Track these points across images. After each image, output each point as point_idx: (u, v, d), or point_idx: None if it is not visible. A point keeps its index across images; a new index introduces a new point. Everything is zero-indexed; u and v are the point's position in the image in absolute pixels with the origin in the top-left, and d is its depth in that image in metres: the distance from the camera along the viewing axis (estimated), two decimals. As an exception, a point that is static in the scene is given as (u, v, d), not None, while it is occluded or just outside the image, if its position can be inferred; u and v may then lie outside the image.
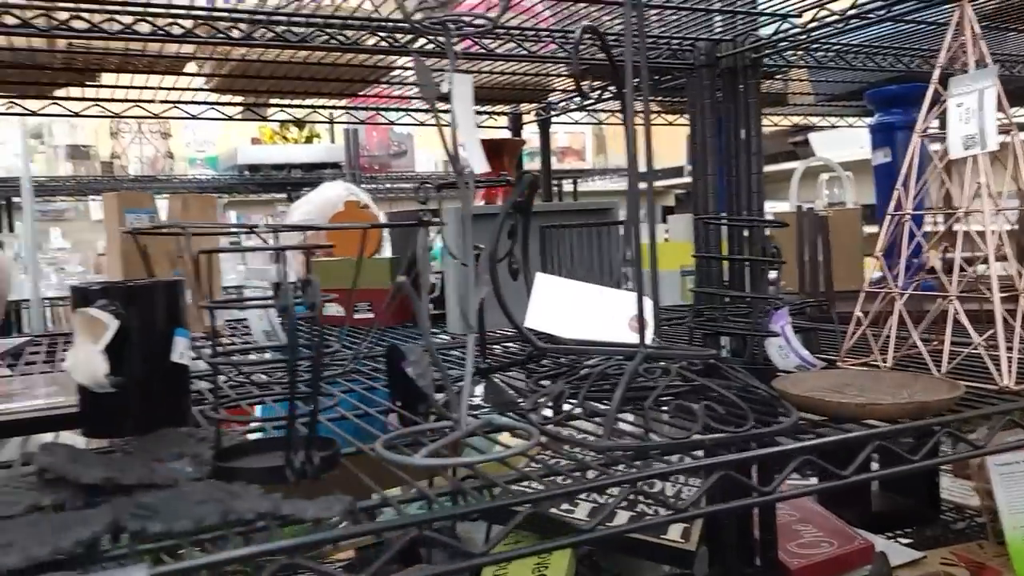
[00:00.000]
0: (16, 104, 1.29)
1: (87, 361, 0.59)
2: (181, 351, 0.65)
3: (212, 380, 0.52)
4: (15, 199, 3.20)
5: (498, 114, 1.71)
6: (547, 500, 0.44)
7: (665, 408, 0.59)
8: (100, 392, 0.61)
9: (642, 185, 0.59)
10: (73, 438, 0.67)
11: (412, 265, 1.04)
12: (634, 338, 0.62)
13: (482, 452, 0.59)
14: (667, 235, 1.54)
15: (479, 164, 0.58)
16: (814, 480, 1.07)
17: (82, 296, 0.61)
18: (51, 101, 1.31)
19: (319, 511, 0.42)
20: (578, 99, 1.57)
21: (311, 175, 2.94)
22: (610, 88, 1.44)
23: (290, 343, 0.46)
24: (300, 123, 3.36)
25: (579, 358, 0.68)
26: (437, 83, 0.59)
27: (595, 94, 1.47)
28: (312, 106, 1.51)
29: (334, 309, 1.32)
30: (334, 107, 1.58)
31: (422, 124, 1.67)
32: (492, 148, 1.43)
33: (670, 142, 3.51)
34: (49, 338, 1.25)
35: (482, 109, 1.65)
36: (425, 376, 0.52)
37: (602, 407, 0.60)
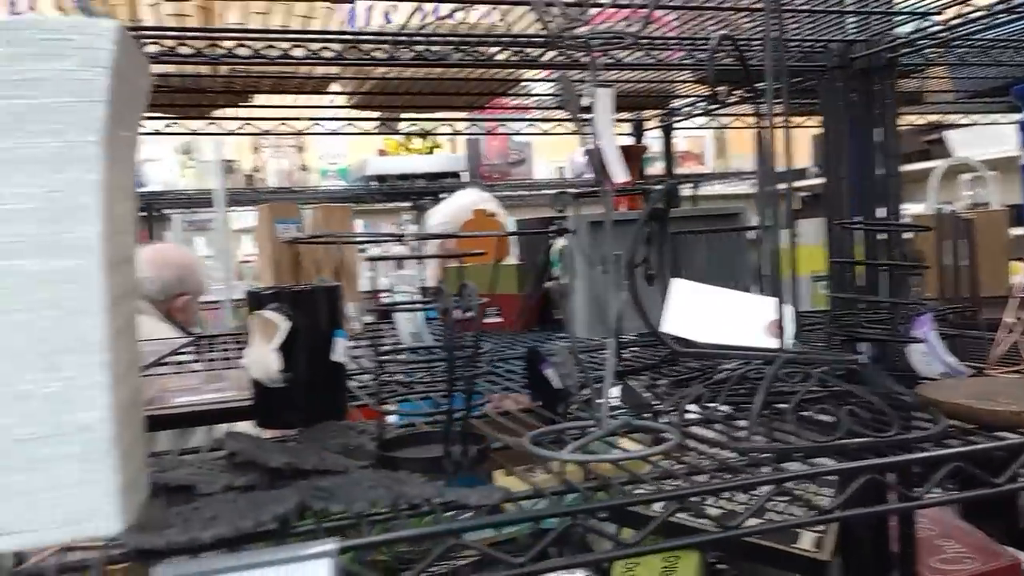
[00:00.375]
0: (177, 123, 1.41)
1: (261, 359, 0.65)
2: (340, 351, 0.70)
3: (376, 376, 0.56)
4: (166, 211, 3.47)
5: (621, 121, 1.73)
6: (693, 495, 0.45)
7: (806, 413, 0.59)
8: (271, 387, 0.67)
9: (780, 186, 0.60)
10: (246, 429, 0.73)
11: (543, 270, 1.07)
12: (772, 343, 0.63)
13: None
14: (796, 239, 1.50)
15: (620, 174, 0.60)
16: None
17: (256, 300, 0.68)
18: (209, 121, 1.43)
19: (480, 498, 0.46)
20: (703, 104, 1.57)
21: (434, 184, 3.05)
22: (735, 92, 1.43)
23: (449, 342, 0.50)
24: (425, 134, 3.49)
25: (716, 362, 0.69)
26: (579, 95, 0.61)
27: (726, 99, 1.46)
28: (441, 119, 1.57)
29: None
30: (460, 119, 1.64)
31: (545, 133, 1.70)
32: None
33: (793, 144, 3.41)
34: (209, 338, 1.36)
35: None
36: (570, 376, 0.55)
37: (738, 413, 0.61)
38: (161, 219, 3.42)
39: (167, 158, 3.00)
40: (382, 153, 3.42)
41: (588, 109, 0.64)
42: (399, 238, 0.77)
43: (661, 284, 0.68)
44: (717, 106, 1.53)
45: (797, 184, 4.29)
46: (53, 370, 0.40)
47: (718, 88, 1.10)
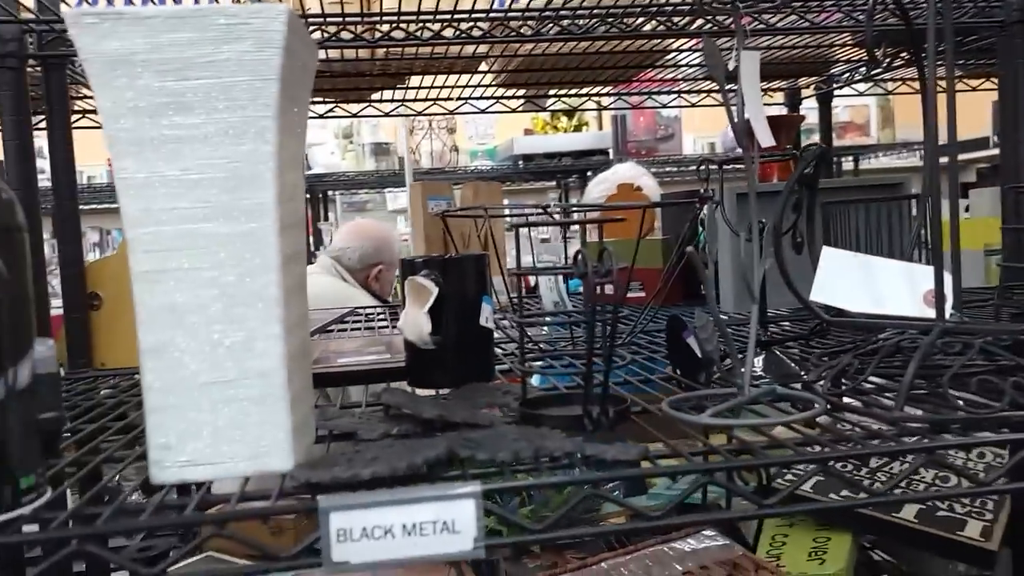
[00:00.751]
0: (340, 107, 1.50)
1: (414, 321, 0.69)
2: (487, 316, 0.73)
3: (520, 339, 0.59)
4: (330, 192, 3.68)
5: (773, 90, 1.67)
6: (838, 459, 0.45)
7: (965, 385, 0.56)
8: (423, 349, 0.71)
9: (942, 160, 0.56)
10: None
11: (686, 243, 1.06)
12: (929, 313, 0.60)
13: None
14: (967, 212, 1.40)
15: (765, 139, 0.59)
16: None
17: (410, 267, 0.72)
18: (367, 104, 1.51)
19: (618, 453, 0.47)
20: (863, 69, 1.48)
21: (580, 162, 3.05)
22: (902, 55, 1.35)
23: (591, 305, 0.51)
24: (571, 112, 3.50)
25: (868, 334, 0.66)
26: (725, 61, 0.61)
27: (885, 62, 1.38)
28: (587, 94, 1.57)
29: (608, 288, 1.38)
30: (606, 94, 1.64)
31: (693, 106, 1.67)
32: (769, 125, 1.40)
33: (971, 111, 3.15)
34: (364, 310, 1.44)
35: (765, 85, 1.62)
36: (711, 341, 0.55)
37: (890, 384, 0.58)
38: (324, 200, 3.64)
39: (329, 142, 3.19)
40: (528, 133, 3.46)
41: (735, 77, 0.63)
42: (544, 209, 0.79)
43: (811, 253, 0.66)
44: (878, 71, 1.45)
45: (976, 155, 3.95)
46: (236, 322, 0.45)
47: (877, 51, 1.04)
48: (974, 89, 1.61)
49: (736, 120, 0.57)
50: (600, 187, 1.72)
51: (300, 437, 0.48)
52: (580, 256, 0.52)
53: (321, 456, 0.49)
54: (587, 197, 1.74)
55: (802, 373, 0.70)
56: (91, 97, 1.32)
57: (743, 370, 0.58)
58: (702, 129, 3.66)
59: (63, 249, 0.96)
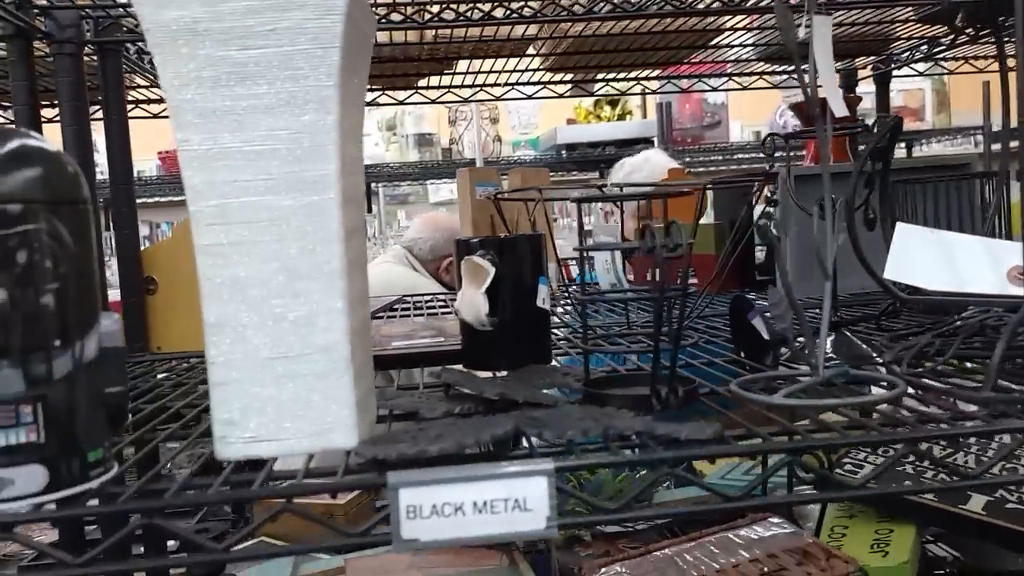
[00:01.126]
0: (387, 95, 1.49)
1: (471, 302, 0.68)
2: (544, 297, 0.72)
3: (582, 316, 0.57)
4: (373, 184, 3.70)
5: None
6: (925, 440, 0.42)
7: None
8: (480, 330, 0.70)
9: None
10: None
11: (745, 226, 1.03)
12: (1017, 291, 0.57)
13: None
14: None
15: (839, 108, 0.57)
16: None
17: (465, 247, 0.71)
18: (413, 91, 1.50)
19: (692, 431, 0.45)
20: (924, 48, 1.43)
21: (624, 151, 3.02)
22: (967, 31, 1.29)
23: (659, 281, 0.49)
24: (615, 101, 3.46)
25: (945, 314, 0.63)
26: (796, 26, 0.58)
27: (947, 39, 1.33)
28: (636, 78, 1.55)
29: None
30: (655, 77, 1.61)
31: (744, 88, 1.63)
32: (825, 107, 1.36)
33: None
34: (412, 297, 1.44)
35: (811, 67, 1.57)
36: (784, 319, 0.53)
37: (974, 365, 0.55)
38: (368, 192, 3.66)
39: (373, 134, 3.20)
40: (571, 122, 3.43)
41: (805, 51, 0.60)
42: (600, 188, 0.77)
43: (884, 230, 0.63)
44: (940, 49, 1.39)
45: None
46: (299, 296, 0.44)
47: (953, 24, 1.00)
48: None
49: (808, 89, 0.55)
50: (627, 170, 1.69)
51: (363, 414, 0.47)
52: (648, 231, 0.50)
53: (384, 434, 0.48)
54: (614, 178, 1.72)
55: (873, 355, 0.67)
56: (143, 86, 1.34)
57: (816, 350, 0.56)
58: (750, 116, 3.59)
59: (120, 234, 0.96)
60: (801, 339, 0.58)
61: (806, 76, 0.58)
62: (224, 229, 0.44)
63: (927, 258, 0.63)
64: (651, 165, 1.66)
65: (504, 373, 0.70)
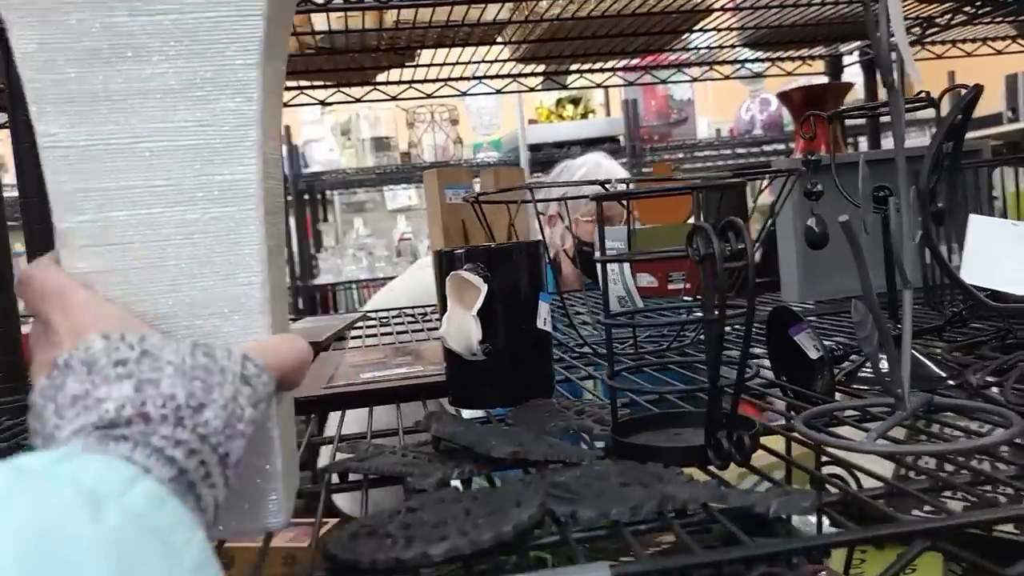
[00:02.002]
0: (342, 92, 1.36)
1: (460, 327, 0.56)
2: (544, 316, 0.60)
3: (607, 344, 0.45)
4: (328, 192, 3.54)
5: (812, 58, 1.53)
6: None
7: None
8: (469, 361, 0.57)
9: None
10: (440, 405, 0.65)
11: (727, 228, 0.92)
12: None
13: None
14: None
15: (913, 71, 0.46)
16: None
17: (448, 260, 0.59)
18: (372, 87, 1.37)
19: (781, 506, 0.33)
20: (916, 30, 1.34)
21: (590, 150, 2.91)
22: (965, 9, 1.21)
23: (707, 296, 0.38)
24: (576, 99, 3.35)
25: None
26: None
27: (945, 18, 1.24)
28: (613, 68, 1.44)
29: (646, 280, 1.24)
30: (634, 67, 1.51)
31: (726, 78, 1.53)
32: (813, 96, 1.27)
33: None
34: (376, 313, 1.31)
35: (796, 53, 1.48)
36: (871, 340, 0.42)
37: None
38: (323, 200, 3.50)
39: (327, 138, 3.05)
40: (532, 123, 3.32)
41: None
42: (603, 184, 0.65)
43: (954, 222, 0.52)
44: (936, 30, 1.31)
45: (990, 131, 3.81)
46: (208, 337, 0.32)
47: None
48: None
49: (882, 48, 0.44)
50: (584, 171, 1.58)
51: (288, 481, 0.35)
52: (701, 233, 0.38)
53: (363, 521, 0.35)
54: (567, 176, 1.62)
55: (943, 375, 0.56)
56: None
57: (899, 375, 0.44)
58: (716, 112, 3.52)
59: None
60: (875, 357, 0.47)
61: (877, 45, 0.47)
62: (105, 252, 0.32)
63: (1008, 255, 0.52)
64: (604, 171, 1.56)
65: (501, 411, 0.58)
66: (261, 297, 0.33)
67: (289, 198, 2.72)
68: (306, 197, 3.05)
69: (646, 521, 0.35)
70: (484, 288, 0.55)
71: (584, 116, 3.35)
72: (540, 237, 0.67)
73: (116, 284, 0.32)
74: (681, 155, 3.19)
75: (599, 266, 0.50)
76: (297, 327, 1.24)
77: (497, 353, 0.57)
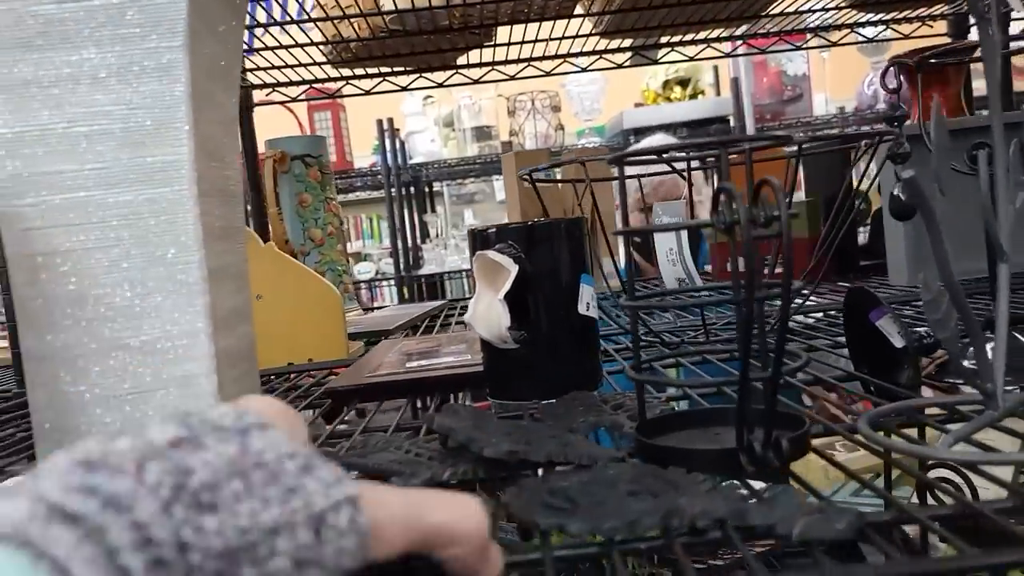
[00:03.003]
0: (424, 77, 1.34)
1: (487, 312, 0.51)
2: (588, 301, 0.54)
3: (633, 330, 0.40)
4: (436, 183, 3.57)
5: (932, 17, 1.38)
6: None
7: None
8: (503, 348, 0.53)
9: None
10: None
11: (842, 204, 0.83)
12: None
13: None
14: None
15: (1017, 4, 0.37)
16: None
17: (480, 239, 0.54)
18: (454, 71, 1.34)
19: (812, 528, 0.27)
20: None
21: (697, 133, 2.79)
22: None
23: (749, 275, 0.32)
24: (685, 81, 3.22)
25: None
26: None
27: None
28: (705, 40, 1.35)
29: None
30: (729, 38, 1.41)
31: (834, 44, 1.41)
32: (929, 60, 1.14)
33: None
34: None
35: (914, 13, 1.34)
36: (946, 324, 0.34)
37: None
38: (430, 191, 3.53)
39: (430, 129, 3.06)
40: (638, 106, 3.22)
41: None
42: (659, 154, 0.59)
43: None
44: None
45: None
46: (148, 316, 0.29)
47: None
48: None
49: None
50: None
51: None
52: (726, 198, 0.32)
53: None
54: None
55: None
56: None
57: (990, 367, 0.37)
58: (834, 88, 3.30)
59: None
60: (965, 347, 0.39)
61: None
62: (44, 234, 0.30)
63: None
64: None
65: (537, 403, 0.53)
66: (199, 276, 0.30)
67: (393, 191, 2.75)
68: (412, 189, 3.09)
69: (646, 539, 0.30)
70: (513, 270, 0.50)
71: (693, 97, 3.22)
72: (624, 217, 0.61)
73: (56, 264, 0.30)
74: (801, 135, 3.02)
75: (625, 239, 0.44)
76: (379, 315, 1.23)
77: (533, 341, 0.53)
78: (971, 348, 0.40)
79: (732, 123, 2.75)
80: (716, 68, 3.27)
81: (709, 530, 0.29)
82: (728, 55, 1.49)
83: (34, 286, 0.30)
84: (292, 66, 1.24)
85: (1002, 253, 0.38)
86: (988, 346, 0.39)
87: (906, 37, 1.41)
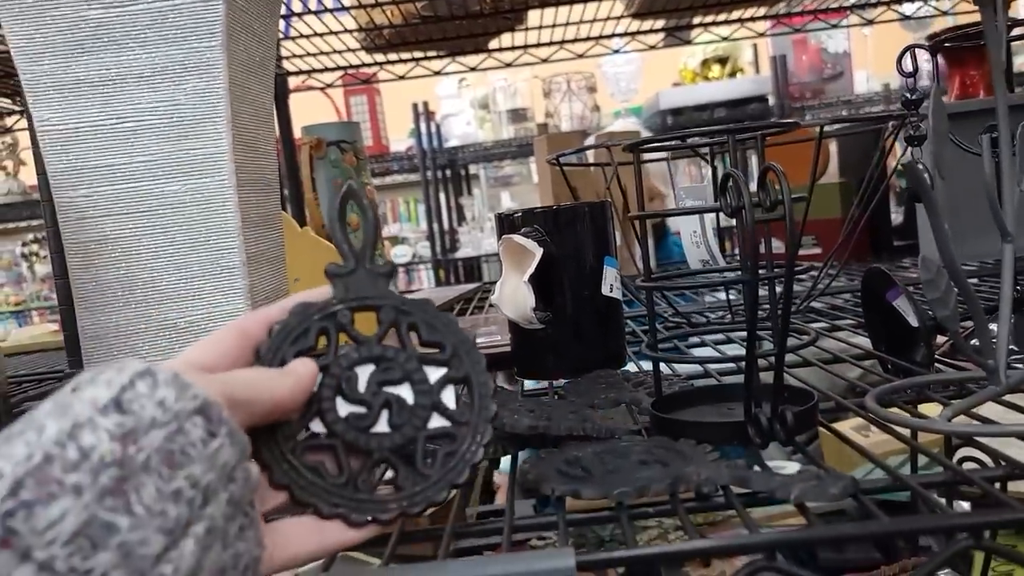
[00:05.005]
0: (457, 62, 1.36)
1: (513, 293, 0.53)
2: (611, 283, 0.56)
3: (648, 309, 0.41)
4: (472, 166, 3.59)
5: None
6: None
7: None
8: (529, 329, 0.55)
9: None
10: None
11: (876, 184, 0.83)
12: None
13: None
14: None
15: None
16: None
17: (507, 223, 0.56)
18: (486, 55, 1.36)
19: (807, 492, 0.29)
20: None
21: (736, 112, 2.76)
22: None
23: (750, 257, 0.33)
24: (723, 59, 3.19)
25: None
26: None
27: None
28: (739, 20, 1.34)
29: (774, 245, 1.16)
30: (763, 17, 1.40)
31: (871, 23, 1.39)
32: (962, 39, 1.12)
33: None
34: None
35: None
36: (945, 301, 0.35)
37: None
38: (466, 174, 3.56)
39: (465, 112, 3.07)
40: (676, 85, 3.19)
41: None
42: (682, 140, 0.60)
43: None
44: None
45: None
46: (192, 298, 0.32)
47: None
48: None
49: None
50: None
51: None
52: (731, 181, 0.33)
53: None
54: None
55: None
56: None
57: (993, 344, 0.38)
58: (877, 65, 3.23)
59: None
60: (967, 326, 0.40)
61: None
62: (97, 223, 0.33)
63: None
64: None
65: (563, 382, 0.55)
66: (239, 260, 0.33)
67: (429, 174, 2.77)
68: (448, 172, 3.11)
69: (655, 504, 0.32)
70: (538, 253, 0.52)
71: (732, 76, 3.18)
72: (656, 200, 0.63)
73: (108, 250, 0.33)
74: (839, 112, 2.97)
75: (639, 223, 0.45)
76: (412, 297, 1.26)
77: (558, 322, 0.55)
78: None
79: (771, 102, 2.72)
80: (755, 46, 3.23)
81: (713, 494, 0.31)
82: (763, 35, 1.48)
83: (88, 270, 0.33)
84: (327, 53, 1.27)
85: (1006, 232, 0.39)
86: (993, 325, 0.40)
87: (944, 14, 1.38)
